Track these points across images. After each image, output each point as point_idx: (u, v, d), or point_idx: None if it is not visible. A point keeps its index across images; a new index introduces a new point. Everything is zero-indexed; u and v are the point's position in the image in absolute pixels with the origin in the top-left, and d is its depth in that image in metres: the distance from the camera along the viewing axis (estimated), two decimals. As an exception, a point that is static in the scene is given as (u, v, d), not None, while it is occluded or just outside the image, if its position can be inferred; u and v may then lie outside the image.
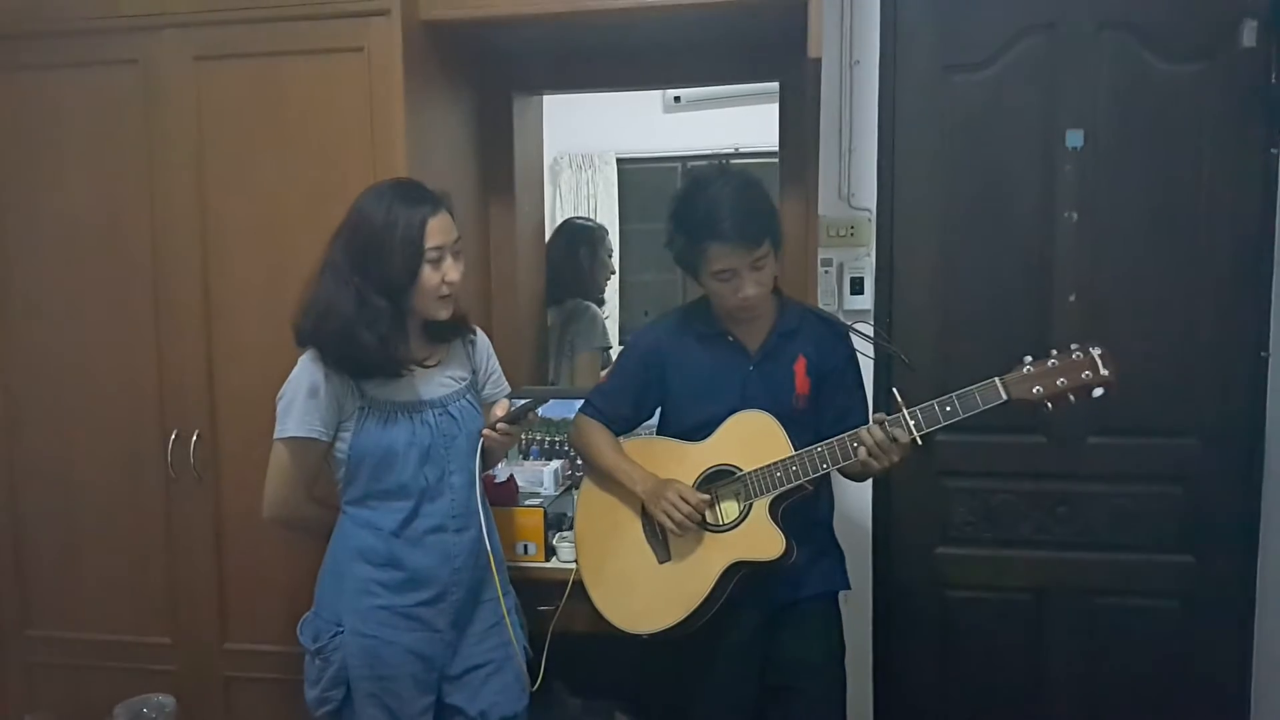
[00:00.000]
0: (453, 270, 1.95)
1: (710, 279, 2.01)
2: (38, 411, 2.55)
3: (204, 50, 2.36)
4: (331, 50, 2.30)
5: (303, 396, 1.93)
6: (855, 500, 2.61)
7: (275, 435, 1.97)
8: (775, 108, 2.83)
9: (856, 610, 2.52)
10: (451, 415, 2.02)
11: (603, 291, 3.49)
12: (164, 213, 2.43)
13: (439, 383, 2.04)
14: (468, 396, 2.07)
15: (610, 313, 3.93)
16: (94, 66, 2.43)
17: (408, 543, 1.97)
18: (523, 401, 2.09)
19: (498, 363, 2.20)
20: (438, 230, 1.92)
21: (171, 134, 2.40)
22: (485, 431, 2.00)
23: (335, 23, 2.29)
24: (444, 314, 1.98)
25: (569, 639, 2.26)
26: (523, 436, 2.79)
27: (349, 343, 1.90)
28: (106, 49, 2.41)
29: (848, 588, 2.22)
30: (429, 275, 1.92)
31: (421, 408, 1.99)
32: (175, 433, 2.46)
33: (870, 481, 2.55)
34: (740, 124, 4.07)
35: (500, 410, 2.03)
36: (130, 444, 2.50)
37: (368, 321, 1.89)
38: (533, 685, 2.12)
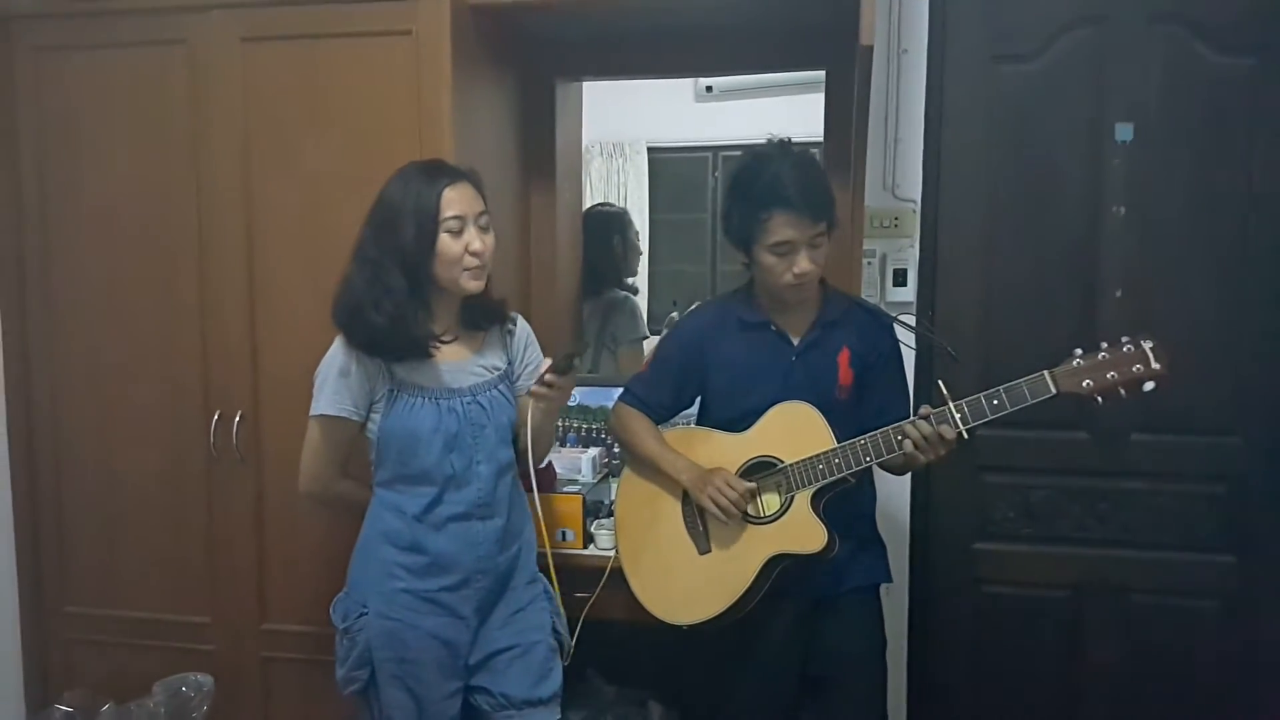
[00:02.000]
0: (476, 240, 1.93)
1: (766, 252, 2.00)
2: (81, 391, 2.57)
3: (251, 32, 2.36)
4: (379, 33, 2.30)
5: (334, 376, 1.96)
6: (894, 494, 2.59)
7: (310, 412, 1.99)
8: (806, 99, 2.82)
9: (893, 604, 2.50)
10: (481, 405, 2.01)
11: (635, 274, 3.48)
12: (209, 194, 2.44)
13: (471, 371, 2.03)
14: (500, 387, 2.05)
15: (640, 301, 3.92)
16: (141, 47, 2.44)
17: (430, 528, 1.97)
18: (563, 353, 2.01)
19: (539, 353, 2.17)
20: (456, 200, 1.92)
21: (217, 116, 2.41)
22: (534, 388, 1.96)
23: (383, 5, 2.29)
24: (473, 286, 1.96)
25: (605, 626, 2.26)
26: (560, 422, 2.79)
27: (360, 322, 1.91)
28: (153, 29, 2.42)
29: (889, 580, 2.21)
30: (448, 244, 1.91)
31: (450, 395, 1.98)
32: (218, 414, 2.47)
33: (909, 475, 2.54)
34: (772, 114, 4.00)
35: (544, 368, 1.99)
36: (173, 424, 2.51)
37: (375, 301, 1.89)
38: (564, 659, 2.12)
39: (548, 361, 2.00)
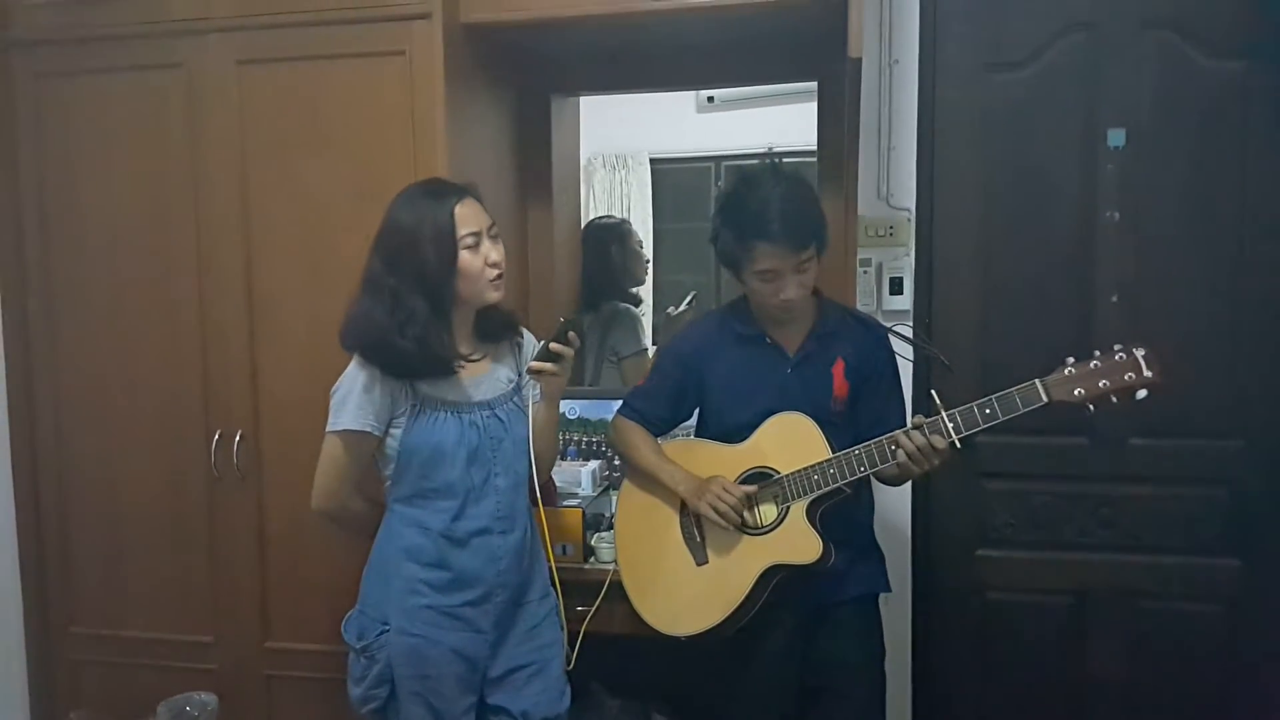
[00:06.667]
0: (493, 251, 1.96)
1: (753, 277, 2.01)
2: (83, 412, 2.60)
3: (247, 54, 2.39)
4: (373, 54, 2.32)
5: (359, 391, 1.94)
6: (895, 502, 2.59)
7: (329, 428, 1.97)
8: (808, 108, 2.82)
9: (895, 612, 2.51)
10: (499, 418, 2.02)
11: (641, 283, 3.46)
12: (207, 216, 2.46)
13: (489, 385, 2.04)
14: (514, 400, 2.07)
15: (644, 312, 3.93)
16: (138, 71, 2.47)
17: (455, 543, 1.97)
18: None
19: None
20: (468, 217, 1.94)
21: (215, 137, 2.43)
22: (533, 364, 1.98)
23: (377, 26, 2.31)
24: (495, 296, 1.98)
25: (607, 639, 2.26)
26: (560, 435, 2.80)
27: (389, 350, 1.91)
28: (152, 53, 2.45)
29: (888, 590, 2.21)
30: (469, 260, 1.93)
31: (470, 409, 1.99)
32: (219, 433, 2.49)
33: (909, 483, 2.54)
34: (774, 124, 4.04)
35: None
36: (174, 444, 2.53)
37: (401, 325, 1.89)
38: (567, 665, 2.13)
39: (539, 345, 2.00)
